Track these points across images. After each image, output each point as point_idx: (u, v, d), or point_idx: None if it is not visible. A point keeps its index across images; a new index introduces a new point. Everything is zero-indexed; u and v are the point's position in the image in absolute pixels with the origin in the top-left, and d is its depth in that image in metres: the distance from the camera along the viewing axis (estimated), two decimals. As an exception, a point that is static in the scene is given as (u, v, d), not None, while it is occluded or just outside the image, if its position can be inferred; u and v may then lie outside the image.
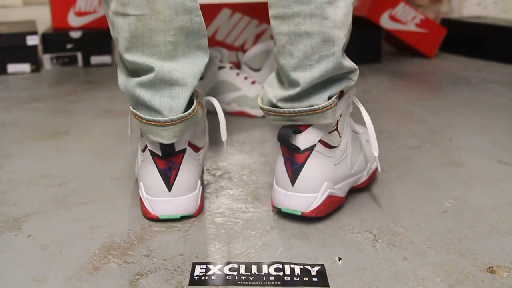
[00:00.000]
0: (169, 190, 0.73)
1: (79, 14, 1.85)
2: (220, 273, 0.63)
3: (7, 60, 1.69)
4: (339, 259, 0.66)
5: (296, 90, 0.68)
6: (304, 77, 0.67)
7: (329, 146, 0.73)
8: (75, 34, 1.78)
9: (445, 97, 1.42)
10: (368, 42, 1.82)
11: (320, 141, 0.72)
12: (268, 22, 1.75)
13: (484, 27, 1.91)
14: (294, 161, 0.72)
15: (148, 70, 0.68)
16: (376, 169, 0.86)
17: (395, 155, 1.00)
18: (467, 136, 1.10)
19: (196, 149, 0.76)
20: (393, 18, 1.84)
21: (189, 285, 0.61)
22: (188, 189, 0.74)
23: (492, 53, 1.87)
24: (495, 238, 0.70)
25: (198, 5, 0.69)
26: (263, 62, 1.40)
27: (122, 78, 0.71)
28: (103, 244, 0.69)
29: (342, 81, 0.71)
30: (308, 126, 0.71)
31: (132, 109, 0.71)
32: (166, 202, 0.74)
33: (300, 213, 0.73)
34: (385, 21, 1.82)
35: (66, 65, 1.80)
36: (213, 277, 0.62)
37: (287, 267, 0.64)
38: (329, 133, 0.72)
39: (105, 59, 1.82)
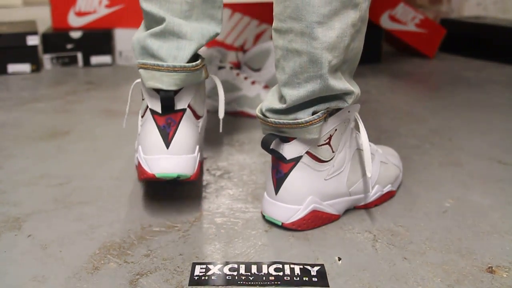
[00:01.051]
0: (167, 147, 0.73)
1: (79, 14, 1.85)
2: (220, 273, 0.63)
3: (7, 60, 1.69)
4: (339, 259, 0.66)
5: (283, 106, 0.68)
6: (291, 94, 0.67)
7: (319, 160, 0.71)
8: (75, 34, 1.78)
9: (445, 97, 1.42)
10: (368, 42, 1.81)
11: (308, 153, 0.70)
12: (268, 22, 1.75)
13: (484, 27, 1.91)
14: (279, 170, 0.71)
15: (160, 21, 0.72)
16: (390, 192, 0.81)
17: (395, 155, 0.99)
18: (467, 136, 1.10)
19: (196, 115, 0.77)
20: (393, 18, 1.84)
21: (189, 285, 0.61)
22: (186, 150, 0.74)
23: (492, 53, 1.87)
24: (495, 238, 0.71)
25: None
26: (263, 62, 1.39)
27: (137, 34, 0.75)
28: (103, 244, 0.69)
29: (333, 100, 0.69)
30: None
31: (138, 60, 0.74)
32: (164, 160, 0.73)
33: (280, 223, 0.72)
34: (385, 21, 1.83)
35: (66, 65, 1.80)
36: (213, 277, 0.62)
37: (287, 267, 0.64)
38: (319, 146, 0.70)
39: (105, 59, 1.82)
